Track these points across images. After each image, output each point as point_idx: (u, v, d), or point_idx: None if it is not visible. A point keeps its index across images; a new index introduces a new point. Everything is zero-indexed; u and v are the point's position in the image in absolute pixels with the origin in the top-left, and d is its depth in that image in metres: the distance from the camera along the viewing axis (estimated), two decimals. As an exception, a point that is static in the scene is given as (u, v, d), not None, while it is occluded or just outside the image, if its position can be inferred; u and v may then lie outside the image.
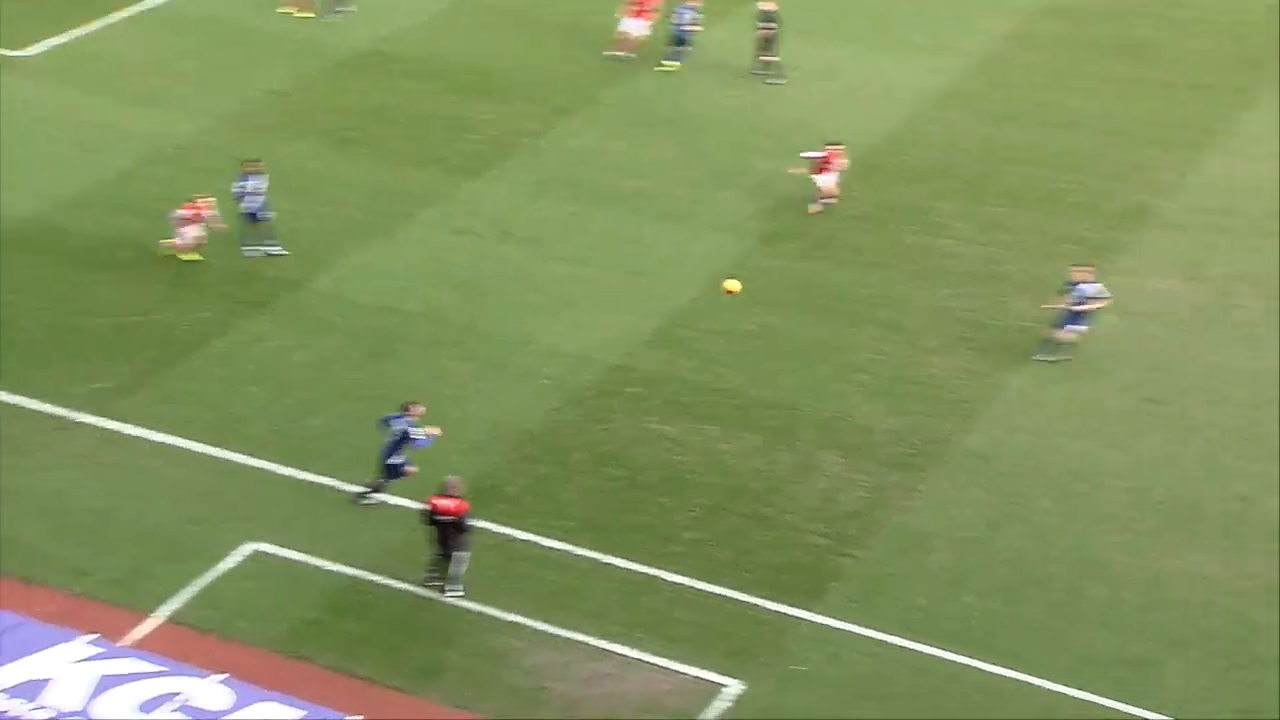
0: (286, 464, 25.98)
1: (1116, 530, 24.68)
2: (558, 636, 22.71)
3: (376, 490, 24.92)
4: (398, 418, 24.67)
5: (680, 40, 38.95)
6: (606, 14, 40.75)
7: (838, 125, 36.35)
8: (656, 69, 38.88)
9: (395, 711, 21.36)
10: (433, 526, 23.11)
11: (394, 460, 24.59)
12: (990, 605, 23.28)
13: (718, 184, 34.36)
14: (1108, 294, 27.83)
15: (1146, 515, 24.96)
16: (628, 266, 31.62)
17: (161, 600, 23.06)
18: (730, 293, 26.93)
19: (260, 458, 26.03)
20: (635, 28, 39.30)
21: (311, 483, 25.56)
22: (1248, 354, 28.67)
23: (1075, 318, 27.56)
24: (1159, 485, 25.61)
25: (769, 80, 38.08)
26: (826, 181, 32.34)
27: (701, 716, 21.47)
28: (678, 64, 38.82)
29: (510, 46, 40.16)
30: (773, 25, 38.01)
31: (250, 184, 31.36)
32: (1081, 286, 27.58)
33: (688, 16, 38.97)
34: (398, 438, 24.54)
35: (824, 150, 32.76)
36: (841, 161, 32.64)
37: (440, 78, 38.73)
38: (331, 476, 25.63)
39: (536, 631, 22.77)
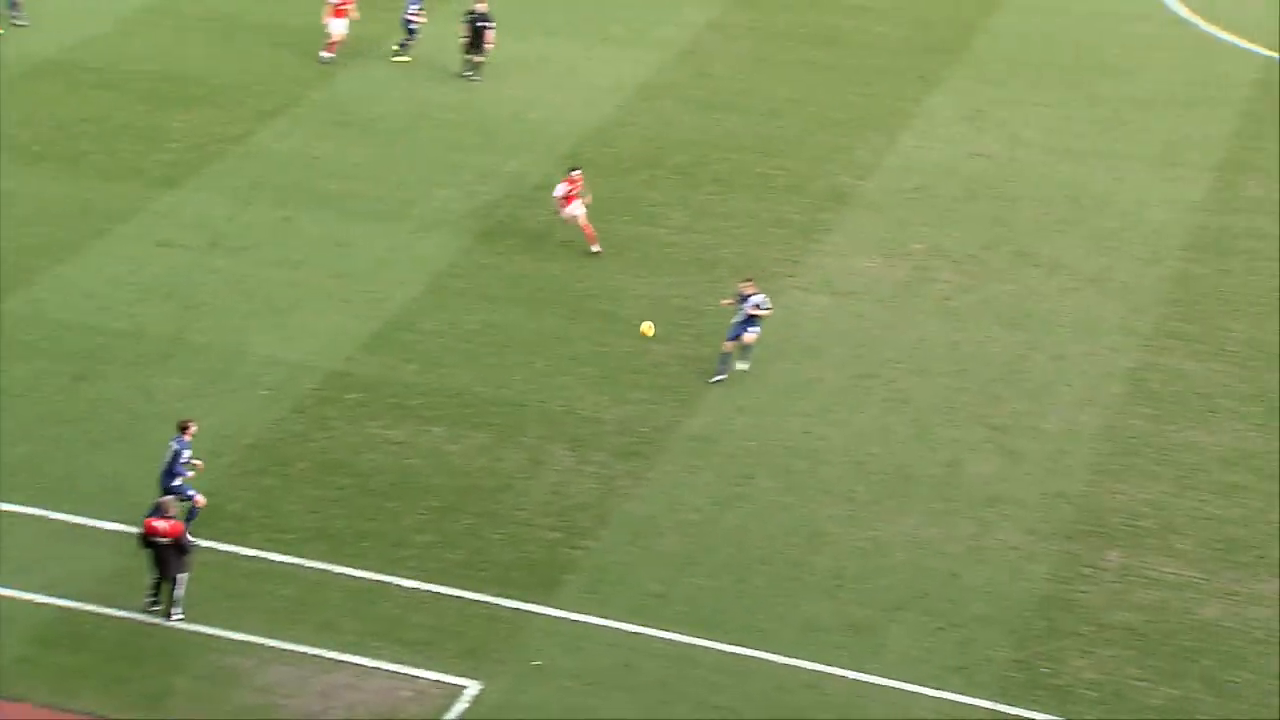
0: (-11, 496, 24.70)
1: (837, 502, 25.41)
2: (290, 651, 22.15)
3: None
4: (177, 438, 23.68)
5: (409, 31, 38.68)
6: (310, 15, 39.98)
7: (546, 119, 36.47)
8: (393, 59, 38.45)
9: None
10: (149, 549, 22.25)
11: (175, 483, 23.49)
12: (720, 584, 23.68)
13: (431, 182, 34.06)
14: (770, 305, 28.07)
15: (863, 486, 25.77)
16: (342, 270, 31.09)
17: None
18: (646, 335, 27.67)
19: (-40, 491, 24.68)
20: (337, 28, 38.70)
21: (13, 513, 24.33)
22: (947, 327, 29.88)
23: (746, 324, 27.90)
24: (874, 457, 26.47)
25: (468, 77, 37.96)
26: (576, 211, 30.91)
27: (443, 719, 21.27)
28: (407, 57, 38.40)
29: (206, 52, 39.03)
30: (489, 23, 37.78)
31: None
32: (751, 298, 27.95)
33: (412, 8, 38.70)
34: (171, 458, 23.54)
35: (565, 181, 31.06)
36: (581, 188, 31.21)
37: (132, 87, 37.39)
38: (35, 506, 24.45)
39: (268, 648, 22.16)
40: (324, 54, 38.61)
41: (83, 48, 38.94)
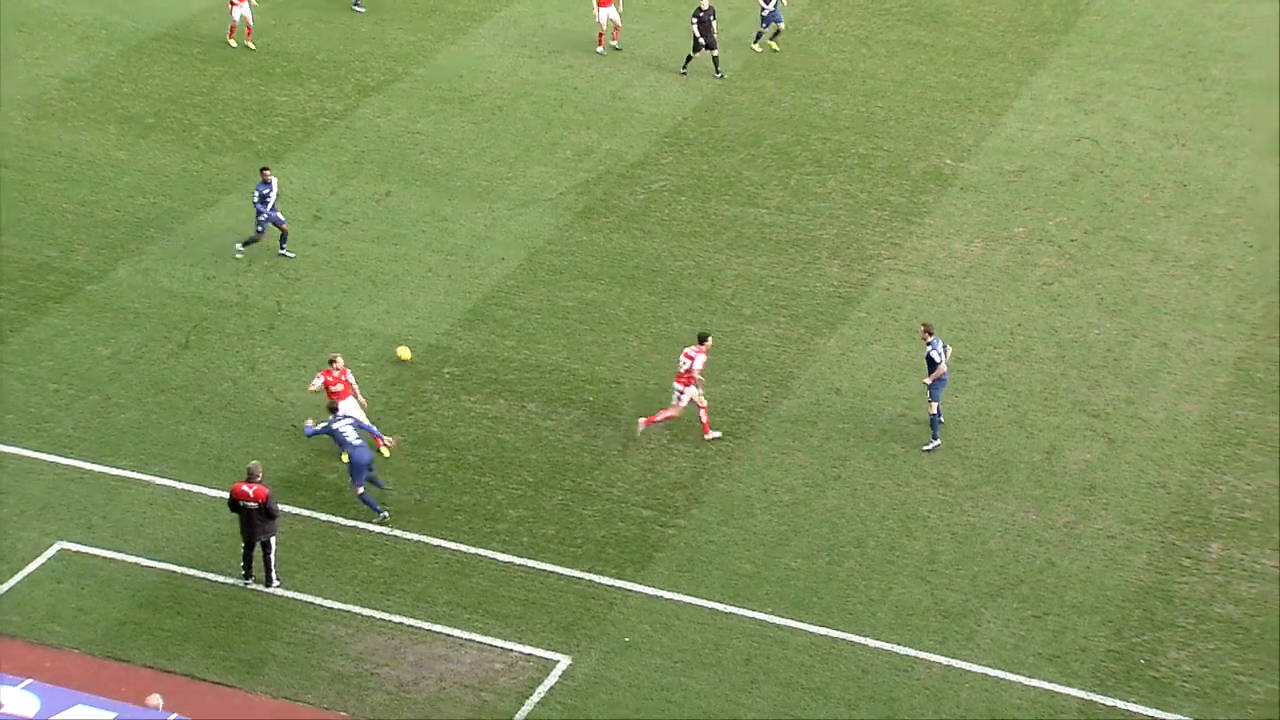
0: (93, 460, 25.20)
1: (932, 486, 25.19)
2: (385, 621, 22.41)
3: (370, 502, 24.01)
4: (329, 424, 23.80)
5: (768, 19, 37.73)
6: (410, -9, 40.25)
7: (645, 97, 36.44)
8: (758, 48, 37.90)
9: (217, 706, 20.85)
10: (238, 514, 22.60)
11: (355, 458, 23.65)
12: (812, 566, 23.60)
13: (530, 160, 34.17)
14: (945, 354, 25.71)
15: (960, 471, 25.52)
16: (441, 245, 31.30)
17: (-34, 608, 22.20)
18: (403, 358, 27.22)
19: (64, 455, 25.19)
20: (605, 16, 37.65)
21: (120, 477, 24.82)
22: (1047, 311, 29.48)
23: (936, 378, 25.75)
24: (971, 441, 26.20)
25: (718, 77, 36.69)
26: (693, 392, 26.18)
27: (534, 692, 21.38)
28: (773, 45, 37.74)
29: (310, 29, 39.43)
30: (713, 18, 36.59)
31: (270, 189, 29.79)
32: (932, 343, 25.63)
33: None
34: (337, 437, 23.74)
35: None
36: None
37: (240, 61, 37.85)
38: (141, 471, 24.93)
39: (362, 617, 22.44)
40: (599, 48, 37.97)
41: (192, 22, 39.49)
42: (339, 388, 25.01)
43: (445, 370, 27.73)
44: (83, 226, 31.32)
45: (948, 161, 34.10)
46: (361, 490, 23.92)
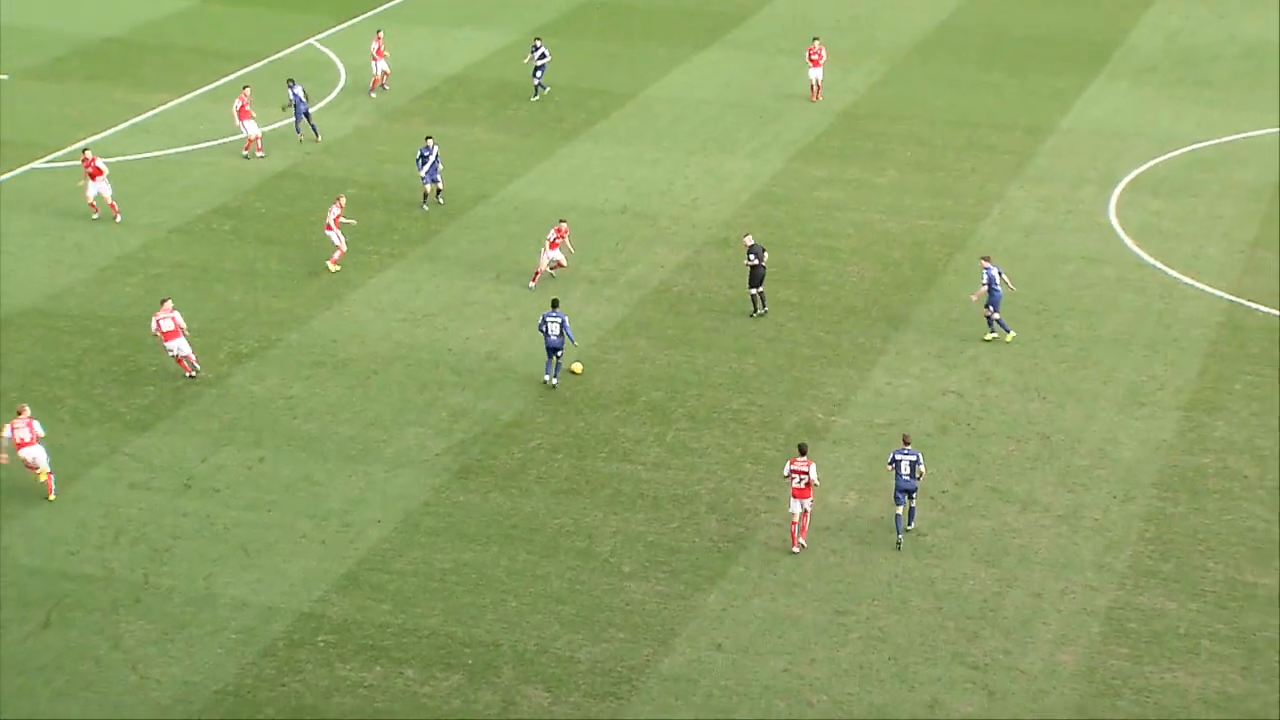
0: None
1: (818, 742, 24.99)
2: None
3: None
4: None
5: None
6: (285, 261, 40.67)
7: (520, 358, 36.91)
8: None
9: None
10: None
11: None
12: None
13: (405, 421, 34.28)
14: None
15: (846, 725, 25.38)
16: (315, 510, 31.04)
17: None
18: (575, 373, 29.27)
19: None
20: (547, 260, 39.65)
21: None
22: (923, 562, 29.83)
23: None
24: (853, 696, 26.14)
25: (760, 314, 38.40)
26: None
27: None
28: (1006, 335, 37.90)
29: (181, 298, 39.51)
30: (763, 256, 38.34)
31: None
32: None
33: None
34: None
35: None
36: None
37: (109, 333, 37.79)
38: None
39: None
40: (531, 284, 39.61)
41: (60, 297, 39.47)
42: None
43: (319, 638, 27.21)
44: (-57, 501, 30.67)
45: (819, 415, 34.82)
46: None
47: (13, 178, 46.08)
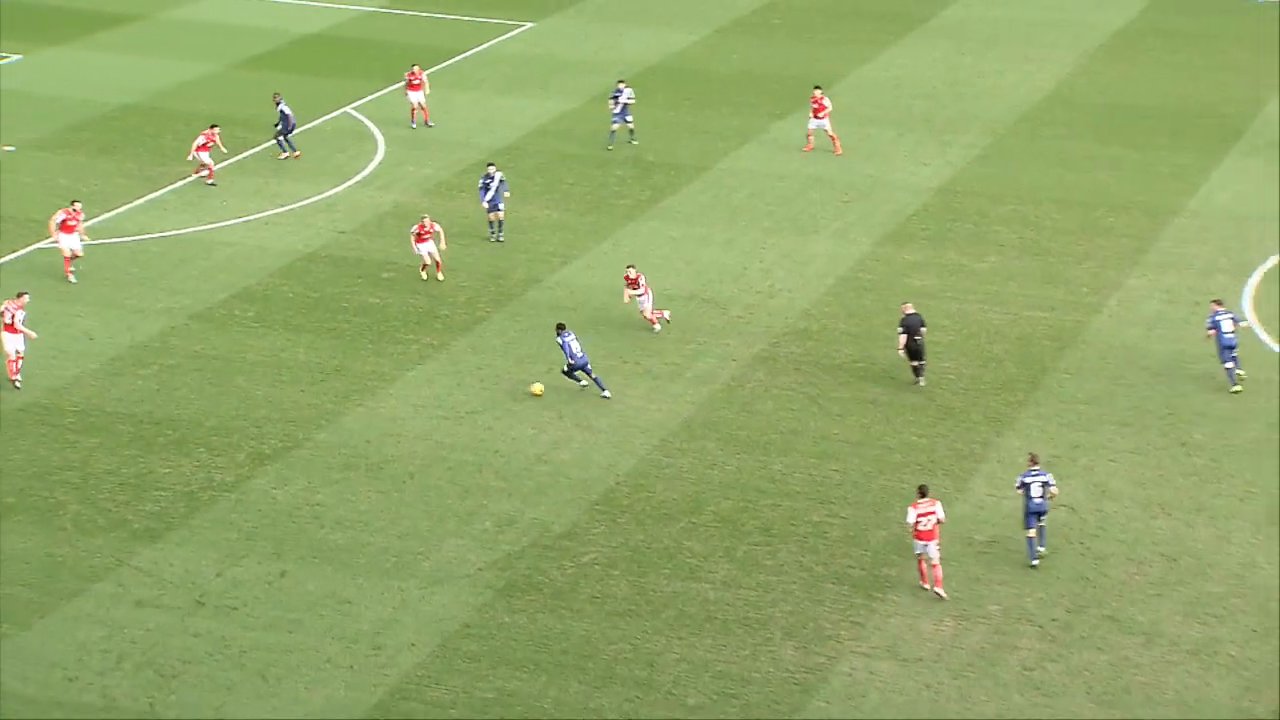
0: None
1: None
2: None
3: None
4: None
5: None
6: (314, 350, 41.03)
7: (575, 460, 36.90)
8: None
9: None
10: None
11: None
12: None
13: (444, 531, 34.28)
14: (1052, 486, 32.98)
15: None
16: (342, 631, 30.99)
17: None
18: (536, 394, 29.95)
19: None
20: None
21: None
22: (1030, 700, 29.40)
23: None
24: None
25: None
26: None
27: None
28: None
29: (199, 392, 39.90)
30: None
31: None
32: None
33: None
34: None
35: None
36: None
37: (118, 430, 38.15)
38: None
39: None
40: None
41: (66, 389, 39.93)
42: None
43: (344, 777, 27.08)
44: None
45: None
46: None
47: (16, 259, 46.88)
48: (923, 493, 32.17)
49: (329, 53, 65.70)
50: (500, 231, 47.78)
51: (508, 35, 68.22)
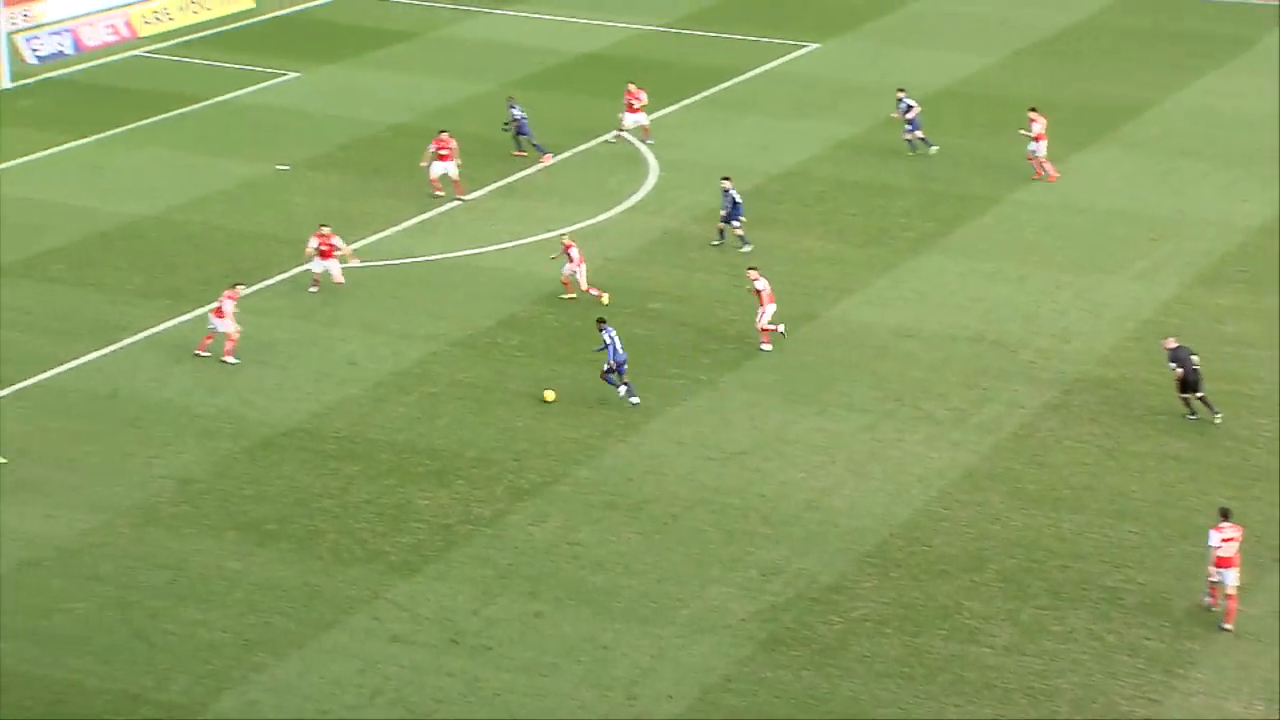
0: None
1: None
2: None
3: None
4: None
5: None
6: (567, 378, 41.51)
7: (847, 507, 36.54)
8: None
9: None
10: None
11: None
12: None
13: (706, 578, 34.23)
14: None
15: None
16: (598, 679, 31.14)
17: None
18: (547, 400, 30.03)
19: None
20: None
21: None
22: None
23: None
24: None
25: None
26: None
27: None
28: None
29: (460, 421, 40.59)
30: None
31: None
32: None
33: None
34: None
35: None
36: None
37: (378, 458, 39.02)
38: None
39: None
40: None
41: (327, 415, 40.99)
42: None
43: (595, 833, 27.14)
44: (184, 651, 31.84)
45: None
46: None
47: (283, 280, 48.41)
48: (1225, 515, 32.22)
49: (606, 72, 66.51)
50: (736, 240, 49.05)
51: (791, 56, 68.26)
